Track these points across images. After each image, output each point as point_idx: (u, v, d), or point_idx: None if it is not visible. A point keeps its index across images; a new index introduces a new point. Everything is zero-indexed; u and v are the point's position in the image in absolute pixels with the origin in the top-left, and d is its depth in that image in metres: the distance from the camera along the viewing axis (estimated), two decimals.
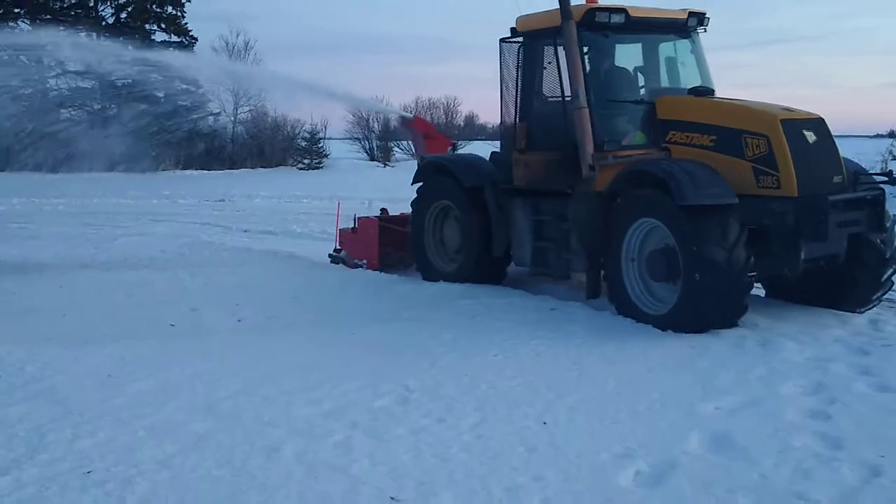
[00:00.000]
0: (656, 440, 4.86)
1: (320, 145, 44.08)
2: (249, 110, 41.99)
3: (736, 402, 5.53)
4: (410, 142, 48.50)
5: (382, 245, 11.13)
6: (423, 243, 10.36)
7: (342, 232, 11.76)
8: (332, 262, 11.55)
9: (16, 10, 38.37)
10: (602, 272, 8.29)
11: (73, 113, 35.23)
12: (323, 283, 10.16)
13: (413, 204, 10.51)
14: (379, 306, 8.70)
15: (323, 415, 5.31)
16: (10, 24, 37.06)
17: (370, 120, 48.46)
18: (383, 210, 11.98)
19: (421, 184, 10.45)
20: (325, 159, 43.48)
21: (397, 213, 11.68)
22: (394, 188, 23.83)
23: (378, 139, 49.20)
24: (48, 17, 38.08)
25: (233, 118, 42.27)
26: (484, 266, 9.72)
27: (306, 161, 42.25)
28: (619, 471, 4.45)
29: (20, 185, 26.68)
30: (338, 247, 11.73)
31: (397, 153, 48.31)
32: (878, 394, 5.70)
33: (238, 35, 43.90)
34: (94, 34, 38.22)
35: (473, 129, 55.93)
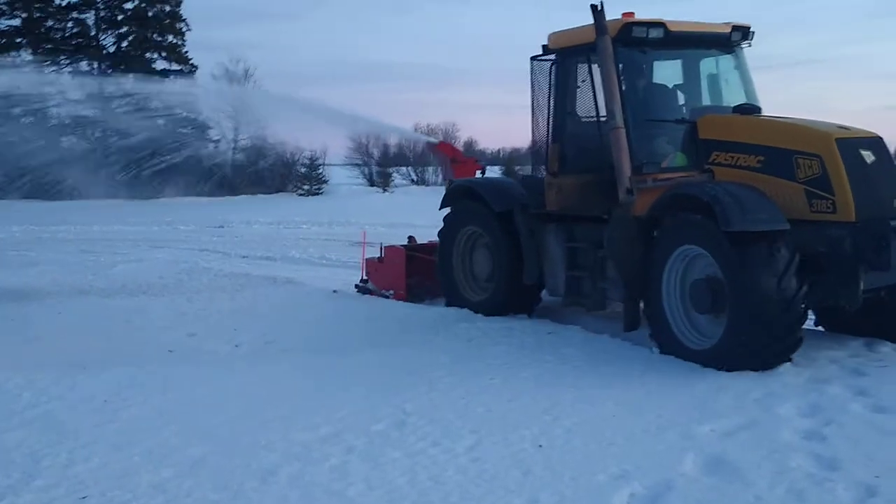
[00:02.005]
0: (652, 462, 4.86)
1: (320, 171, 44.23)
2: (249, 137, 42.15)
3: (733, 424, 5.52)
4: (413, 168, 49.08)
5: (410, 275, 10.69)
6: (452, 272, 9.86)
7: (368, 262, 11.31)
8: (358, 292, 11.15)
9: (17, 40, 38.73)
10: (641, 304, 7.71)
11: (73, 141, 35.41)
12: (321, 309, 10.18)
13: (440, 231, 10.05)
14: (377, 331, 8.71)
15: (320, 439, 5.31)
16: (13, 53, 37.45)
17: (369, 146, 48.73)
18: (410, 238, 11.66)
19: (448, 209, 10.00)
20: (324, 185, 43.60)
21: (425, 241, 11.24)
22: (393, 213, 23.99)
23: (377, 165, 49.40)
24: (50, 46, 38.43)
25: (233, 145, 42.46)
26: (515, 295, 9.23)
27: (306, 187, 42.37)
28: (614, 492, 4.45)
29: (19, 213, 26.77)
30: (364, 277, 11.34)
31: (396, 179, 48.49)
32: (874, 415, 5.70)
33: (238, 63, 44.18)
34: (96, 63, 38.71)
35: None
